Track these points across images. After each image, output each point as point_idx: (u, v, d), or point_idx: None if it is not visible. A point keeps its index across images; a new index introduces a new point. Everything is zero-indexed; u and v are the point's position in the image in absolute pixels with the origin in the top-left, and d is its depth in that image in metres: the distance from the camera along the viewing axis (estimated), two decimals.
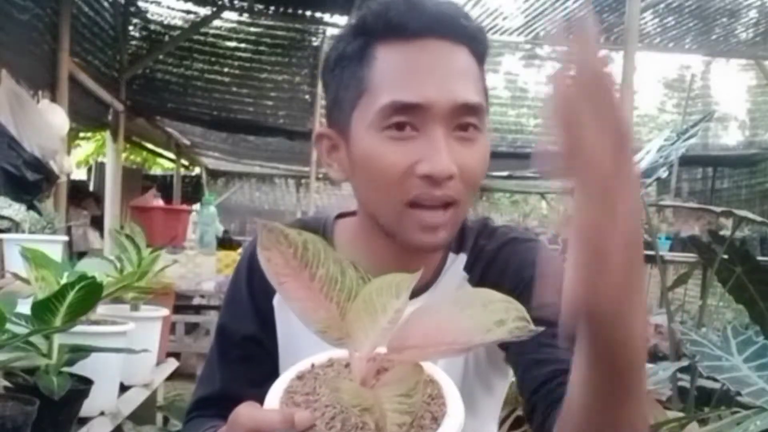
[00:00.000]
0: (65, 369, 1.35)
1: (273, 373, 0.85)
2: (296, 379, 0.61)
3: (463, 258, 0.89)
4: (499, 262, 0.87)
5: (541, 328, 0.55)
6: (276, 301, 0.91)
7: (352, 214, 0.94)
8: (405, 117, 0.77)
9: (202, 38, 6.37)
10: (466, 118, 0.78)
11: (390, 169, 0.77)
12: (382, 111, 0.77)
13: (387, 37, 0.79)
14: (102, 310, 1.74)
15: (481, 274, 0.87)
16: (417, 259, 0.77)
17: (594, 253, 0.48)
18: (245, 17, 6.17)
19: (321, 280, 0.62)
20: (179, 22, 6.16)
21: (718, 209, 2.35)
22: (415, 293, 0.62)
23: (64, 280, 1.31)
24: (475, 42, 0.82)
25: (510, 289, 0.62)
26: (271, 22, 6.24)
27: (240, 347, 0.92)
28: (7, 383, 1.29)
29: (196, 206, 6.08)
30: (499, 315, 0.56)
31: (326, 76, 0.86)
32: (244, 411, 0.58)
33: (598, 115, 0.46)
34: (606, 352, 0.54)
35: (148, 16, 6.07)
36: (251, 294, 0.92)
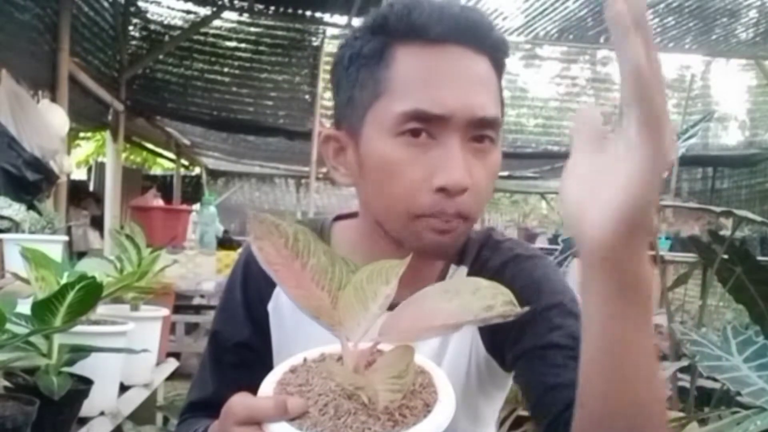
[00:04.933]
0: (65, 369, 1.35)
1: None
2: (289, 372, 0.62)
3: (464, 270, 0.86)
4: (504, 280, 0.83)
5: (524, 309, 0.57)
6: (271, 306, 0.90)
7: (351, 215, 0.92)
8: (422, 124, 0.75)
9: (202, 38, 6.36)
10: (483, 130, 0.77)
11: (404, 178, 0.75)
12: (402, 117, 0.75)
13: (408, 39, 0.76)
14: (102, 310, 1.74)
15: None
16: (419, 266, 0.74)
17: (659, 138, 0.50)
18: (245, 17, 6.16)
19: (312, 269, 0.63)
20: (179, 22, 6.15)
21: (718, 209, 2.34)
22: None
23: (64, 280, 1.31)
24: (496, 52, 0.80)
25: None
26: (271, 22, 6.23)
27: (233, 353, 0.91)
28: (7, 383, 1.29)
29: (196, 206, 6.09)
30: (488, 301, 0.58)
31: (339, 74, 0.82)
32: (237, 400, 0.58)
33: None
34: (629, 277, 0.54)
35: (148, 16, 6.06)
36: (246, 300, 0.91)
